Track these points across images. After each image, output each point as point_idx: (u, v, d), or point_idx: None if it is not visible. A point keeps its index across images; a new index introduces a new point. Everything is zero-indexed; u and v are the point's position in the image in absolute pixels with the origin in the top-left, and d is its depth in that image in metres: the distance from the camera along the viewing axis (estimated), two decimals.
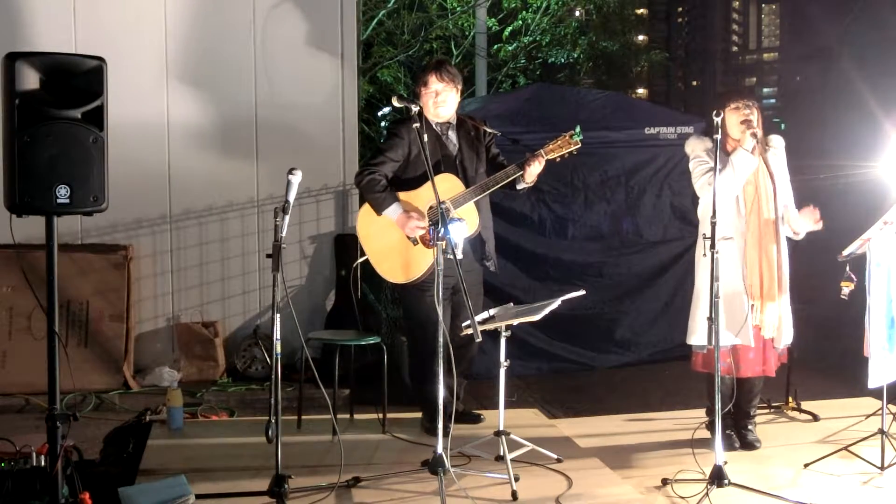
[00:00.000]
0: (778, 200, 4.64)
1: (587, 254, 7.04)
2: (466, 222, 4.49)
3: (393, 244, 4.66)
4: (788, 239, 4.70)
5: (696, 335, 4.62)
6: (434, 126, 4.80)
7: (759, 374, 4.69)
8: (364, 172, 4.69)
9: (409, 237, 4.62)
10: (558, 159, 4.73)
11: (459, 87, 4.85)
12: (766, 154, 4.66)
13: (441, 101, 4.76)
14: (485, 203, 4.83)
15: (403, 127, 4.69)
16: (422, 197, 4.65)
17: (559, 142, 4.70)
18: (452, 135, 4.84)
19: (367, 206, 4.73)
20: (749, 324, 4.54)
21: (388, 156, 4.72)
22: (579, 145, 4.70)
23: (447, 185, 4.63)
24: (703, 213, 4.69)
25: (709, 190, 4.48)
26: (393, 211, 4.62)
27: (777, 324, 4.62)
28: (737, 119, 4.55)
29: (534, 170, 4.66)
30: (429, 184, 4.31)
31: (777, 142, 4.72)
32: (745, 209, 4.57)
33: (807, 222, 4.61)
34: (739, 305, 4.51)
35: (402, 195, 4.67)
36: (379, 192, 4.64)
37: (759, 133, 4.53)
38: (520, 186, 4.79)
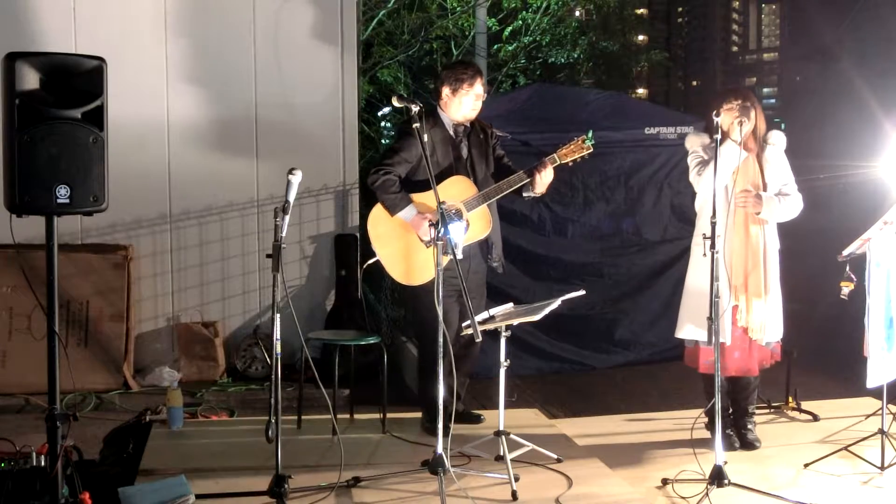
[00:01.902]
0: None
1: (587, 254, 7.04)
2: (474, 225, 4.49)
3: (405, 246, 4.63)
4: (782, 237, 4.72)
5: (683, 330, 4.67)
6: (447, 126, 4.78)
7: (744, 374, 4.69)
8: (380, 172, 4.63)
9: (422, 240, 4.60)
10: (570, 164, 4.72)
11: None
12: (762, 153, 4.66)
13: (478, 106, 4.75)
14: (493, 204, 4.82)
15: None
16: (433, 199, 4.63)
17: (572, 146, 4.69)
18: (464, 136, 4.81)
19: (379, 207, 4.69)
20: (728, 322, 4.55)
21: (402, 156, 4.67)
22: (591, 150, 4.70)
23: (460, 187, 4.62)
24: (700, 208, 4.72)
25: (698, 181, 4.57)
26: (407, 213, 4.59)
27: (763, 322, 4.62)
28: (730, 119, 4.57)
29: (545, 178, 4.64)
30: (442, 185, 4.30)
31: (776, 138, 4.72)
32: (732, 206, 4.57)
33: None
34: (724, 303, 4.51)
35: (414, 196, 4.65)
36: (394, 194, 4.61)
37: (749, 126, 4.52)
38: (526, 194, 4.77)
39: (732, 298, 4.55)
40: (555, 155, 4.69)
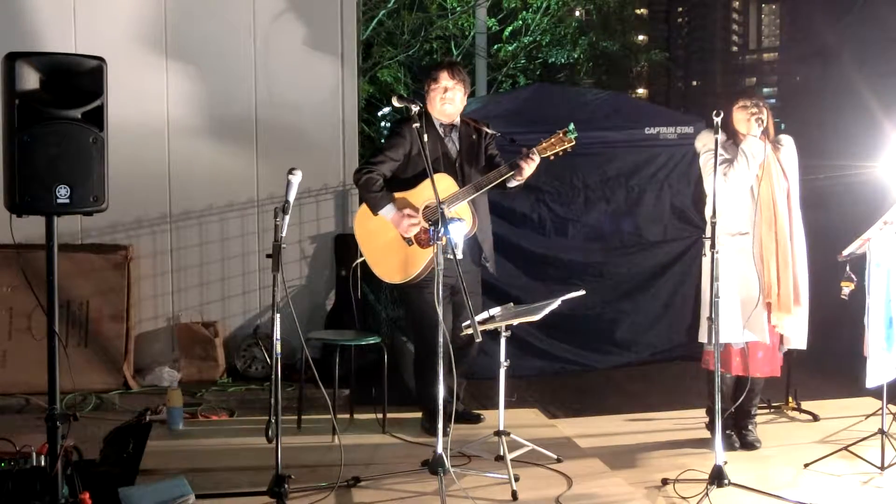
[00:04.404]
0: (793, 200, 4.63)
1: (587, 254, 7.04)
2: (466, 221, 4.50)
3: (389, 244, 4.66)
4: None
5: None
6: (437, 127, 4.80)
7: (767, 375, 4.70)
8: (363, 171, 4.69)
9: (403, 237, 4.61)
10: (552, 157, 4.70)
11: (467, 89, 4.88)
12: (778, 153, 4.65)
13: (449, 98, 4.77)
14: (483, 205, 4.83)
15: (406, 126, 4.68)
16: (418, 196, 4.65)
17: (553, 140, 4.67)
18: (455, 136, 4.84)
19: (364, 207, 4.74)
20: (766, 321, 4.54)
21: (387, 155, 4.72)
22: (574, 143, 4.68)
23: (442, 185, 4.62)
24: (722, 208, 4.67)
25: (723, 181, 4.48)
26: (388, 211, 4.62)
27: (793, 326, 4.61)
28: (744, 116, 4.55)
29: (526, 171, 4.64)
30: (425, 183, 4.30)
31: (787, 141, 4.72)
32: (762, 203, 4.55)
33: None
34: (756, 301, 4.49)
35: (399, 194, 4.67)
36: (375, 192, 4.64)
37: (765, 122, 4.53)
38: (511, 185, 4.76)
39: (766, 296, 4.53)
40: (534, 149, 4.64)
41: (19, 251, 5.31)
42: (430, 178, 4.06)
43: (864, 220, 4.62)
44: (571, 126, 4.65)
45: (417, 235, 4.60)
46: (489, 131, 4.92)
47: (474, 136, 4.88)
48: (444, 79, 4.76)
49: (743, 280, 4.50)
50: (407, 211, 4.60)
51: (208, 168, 6.66)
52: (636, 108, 8.25)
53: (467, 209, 4.66)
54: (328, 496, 3.94)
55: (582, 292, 4.49)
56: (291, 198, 3.92)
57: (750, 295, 4.48)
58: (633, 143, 7.08)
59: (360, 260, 4.82)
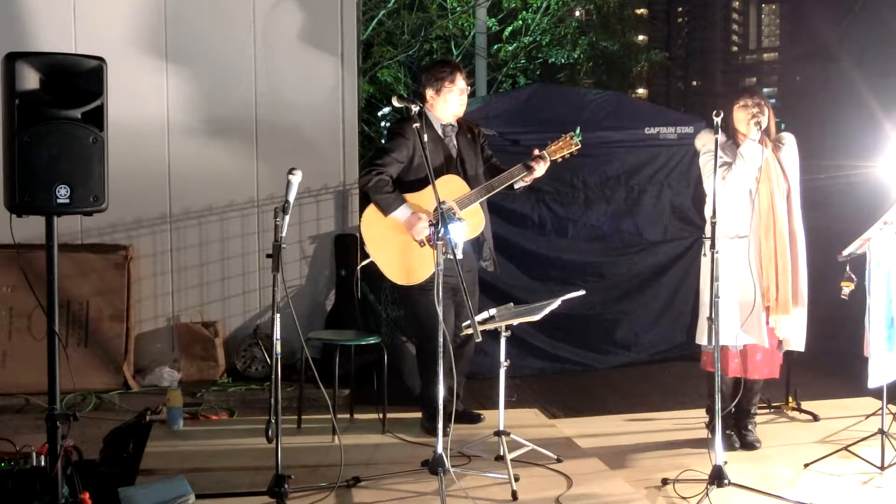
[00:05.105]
0: (793, 201, 4.62)
1: (587, 254, 7.04)
2: (468, 223, 4.50)
3: (398, 246, 4.64)
4: None
5: (706, 335, 4.62)
6: (436, 127, 4.79)
7: (766, 377, 4.69)
8: (371, 172, 4.63)
9: (415, 239, 4.60)
10: (559, 160, 4.74)
11: None
12: (779, 153, 4.64)
13: (465, 99, 4.78)
14: (483, 203, 4.83)
15: (407, 127, 4.65)
16: (426, 198, 4.63)
17: (560, 143, 4.70)
18: (453, 136, 4.84)
19: (372, 208, 4.69)
20: (764, 324, 4.53)
21: (393, 156, 4.68)
22: (579, 146, 4.71)
23: (452, 186, 4.62)
24: (720, 211, 4.66)
25: (722, 185, 4.48)
26: (401, 213, 4.59)
27: (792, 328, 4.61)
28: (745, 116, 4.54)
29: (539, 171, 4.66)
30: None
31: (789, 139, 4.71)
32: (761, 207, 4.55)
33: None
34: (755, 305, 4.49)
35: (406, 197, 4.65)
36: (387, 193, 4.61)
37: (764, 124, 4.53)
38: (518, 186, 4.79)
39: (765, 300, 4.53)
40: (545, 152, 4.69)
41: (19, 251, 5.31)
42: (430, 179, 4.06)
43: (864, 220, 4.62)
44: (577, 129, 4.69)
45: (429, 237, 4.59)
46: (485, 131, 4.93)
47: (469, 136, 4.88)
48: (461, 80, 4.77)
49: (741, 283, 4.50)
50: (422, 214, 4.58)
51: (208, 168, 6.66)
52: (636, 108, 8.24)
53: (479, 209, 4.66)
54: (328, 496, 3.94)
55: (582, 292, 4.50)
56: (291, 198, 3.92)
57: (748, 298, 4.48)
58: (633, 143, 7.08)
59: (366, 262, 4.80)
